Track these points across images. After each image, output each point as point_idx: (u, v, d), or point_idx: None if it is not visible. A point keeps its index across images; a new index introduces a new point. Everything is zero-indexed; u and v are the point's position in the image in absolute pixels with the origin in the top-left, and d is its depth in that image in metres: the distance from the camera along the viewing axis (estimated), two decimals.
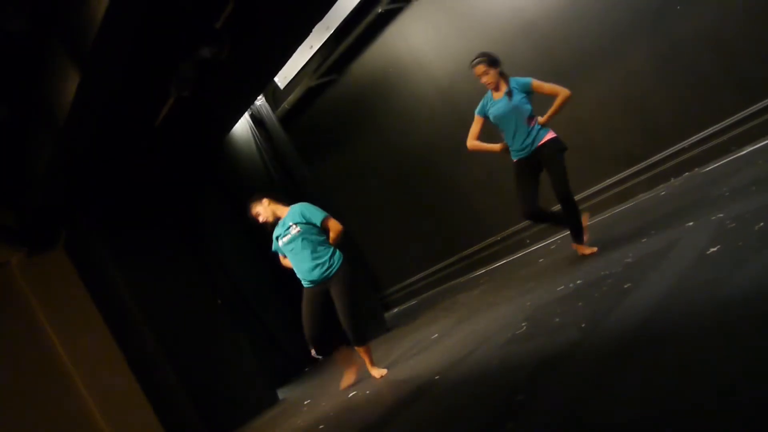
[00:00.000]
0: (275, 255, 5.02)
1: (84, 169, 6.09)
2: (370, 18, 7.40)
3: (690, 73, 5.43)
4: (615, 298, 3.15)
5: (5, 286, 6.50)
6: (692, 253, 3.15)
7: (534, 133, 4.54)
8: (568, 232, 4.81)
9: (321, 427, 4.32)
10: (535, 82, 4.53)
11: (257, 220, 4.85)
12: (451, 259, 7.95)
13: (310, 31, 6.78)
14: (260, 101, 8.75)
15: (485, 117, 4.71)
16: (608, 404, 2.13)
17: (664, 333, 2.44)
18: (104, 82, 4.58)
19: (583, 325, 3.02)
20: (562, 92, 4.48)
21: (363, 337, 4.77)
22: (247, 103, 7.87)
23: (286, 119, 8.93)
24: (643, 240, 4.06)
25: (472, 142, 4.81)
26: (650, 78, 5.65)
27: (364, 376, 4.99)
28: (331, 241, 4.71)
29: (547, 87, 4.53)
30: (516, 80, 4.57)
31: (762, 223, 2.97)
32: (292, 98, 8.65)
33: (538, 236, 6.79)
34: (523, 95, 4.54)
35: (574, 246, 4.72)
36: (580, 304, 3.43)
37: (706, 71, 5.34)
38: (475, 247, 7.59)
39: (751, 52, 5.07)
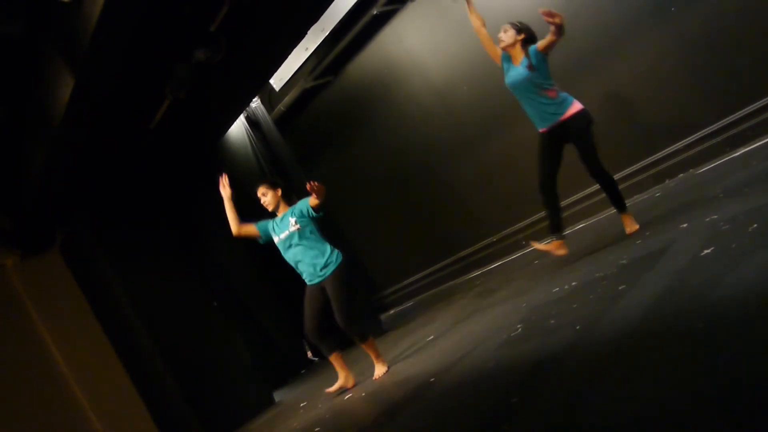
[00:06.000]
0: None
1: (79, 172, 6.08)
2: (365, 20, 7.40)
3: (683, 74, 5.45)
4: (609, 299, 3.16)
5: (0, 289, 6.49)
6: (686, 255, 3.15)
7: (557, 104, 4.48)
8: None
9: (317, 429, 4.32)
10: (539, 44, 4.45)
11: (259, 200, 4.80)
12: (447, 261, 7.95)
13: (306, 33, 6.79)
14: (256, 103, 8.76)
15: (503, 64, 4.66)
16: (603, 406, 2.13)
17: (659, 334, 2.45)
18: (99, 86, 4.59)
19: (578, 327, 3.03)
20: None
21: (362, 333, 4.74)
22: (242, 105, 7.87)
23: (281, 121, 8.93)
24: (638, 242, 4.07)
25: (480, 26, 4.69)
26: (643, 79, 5.66)
27: (359, 380, 4.99)
28: (316, 202, 4.48)
29: (545, 41, 4.42)
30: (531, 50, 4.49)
31: (756, 225, 2.98)
32: (287, 100, 8.64)
33: (534, 238, 6.78)
34: (531, 66, 4.44)
35: (622, 217, 4.53)
36: (575, 305, 3.44)
37: (700, 72, 5.35)
38: (471, 249, 7.60)
39: (745, 53, 5.08)
